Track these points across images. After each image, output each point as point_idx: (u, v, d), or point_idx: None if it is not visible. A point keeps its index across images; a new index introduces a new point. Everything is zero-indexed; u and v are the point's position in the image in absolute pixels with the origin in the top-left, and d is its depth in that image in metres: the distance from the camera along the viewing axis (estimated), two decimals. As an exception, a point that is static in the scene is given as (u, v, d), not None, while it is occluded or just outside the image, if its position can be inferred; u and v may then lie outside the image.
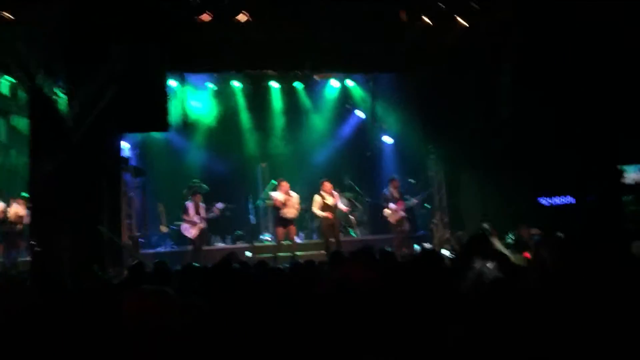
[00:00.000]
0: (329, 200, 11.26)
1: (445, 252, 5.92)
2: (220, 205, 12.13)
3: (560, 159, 10.87)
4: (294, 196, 11.41)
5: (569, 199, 11.46)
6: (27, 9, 6.27)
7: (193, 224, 11.46)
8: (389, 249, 10.96)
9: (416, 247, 12.02)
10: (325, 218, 11.23)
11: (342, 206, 11.72)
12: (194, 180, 13.22)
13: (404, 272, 3.80)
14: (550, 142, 10.98)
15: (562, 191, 11.51)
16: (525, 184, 11.29)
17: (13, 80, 5.68)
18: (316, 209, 11.36)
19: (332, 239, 11.19)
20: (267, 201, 12.82)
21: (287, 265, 6.02)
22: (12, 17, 5.69)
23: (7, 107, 5.49)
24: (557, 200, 11.51)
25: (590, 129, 10.66)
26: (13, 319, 3.51)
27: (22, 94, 6.08)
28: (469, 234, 10.31)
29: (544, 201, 11.58)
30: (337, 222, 11.46)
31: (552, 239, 4.58)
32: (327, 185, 11.38)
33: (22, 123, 5.96)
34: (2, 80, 5.34)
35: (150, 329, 2.45)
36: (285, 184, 11.43)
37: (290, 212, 11.27)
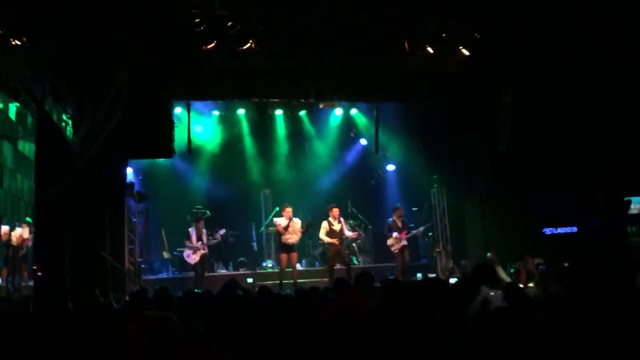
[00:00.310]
0: (336, 227, 11.28)
1: (452, 280, 5.89)
2: (222, 231, 12.14)
3: (563, 189, 10.89)
4: (296, 222, 11.40)
5: (572, 229, 11.43)
6: (34, 35, 6.37)
7: (195, 250, 11.45)
8: (391, 277, 10.97)
9: (419, 275, 11.98)
10: (332, 244, 11.22)
11: (349, 232, 11.72)
12: (197, 206, 13.25)
13: (408, 298, 3.79)
14: (554, 173, 11.02)
15: (566, 221, 11.49)
16: (529, 213, 11.28)
17: (21, 106, 5.75)
18: (323, 235, 11.36)
19: (338, 266, 11.17)
20: (270, 228, 12.82)
21: (290, 292, 6.00)
22: (19, 43, 5.79)
23: (14, 132, 5.55)
24: (561, 230, 11.49)
25: (594, 159, 10.70)
26: (16, 343, 3.50)
27: (29, 119, 6.14)
28: (473, 263, 10.31)
29: (548, 231, 11.55)
30: (343, 249, 11.44)
31: (559, 271, 4.56)
32: (335, 211, 11.41)
33: (28, 148, 6.01)
34: (10, 106, 5.40)
35: (152, 354, 2.45)
36: (288, 210, 11.43)
37: (292, 238, 11.25)
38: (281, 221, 11.38)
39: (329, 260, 11.44)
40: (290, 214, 11.39)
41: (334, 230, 11.29)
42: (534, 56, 10.65)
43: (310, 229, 11.94)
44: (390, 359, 2.62)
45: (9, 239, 5.35)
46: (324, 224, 11.38)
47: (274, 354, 3.11)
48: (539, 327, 2.87)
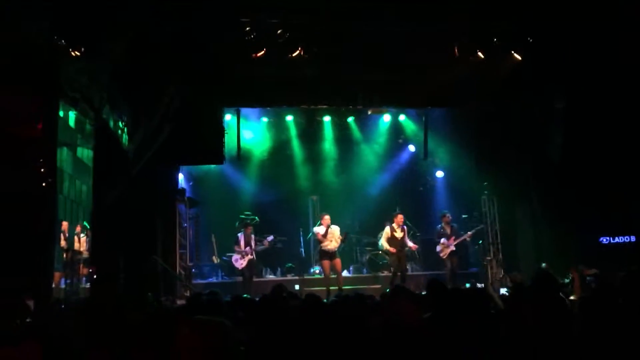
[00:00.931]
0: (398, 234, 11.24)
1: (502, 290, 5.77)
2: (270, 238, 12.25)
3: (620, 197, 10.53)
4: (335, 229, 11.39)
5: (630, 238, 11.03)
6: (92, 47, 6.60)
7: (243, 255, 11.59)
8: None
9: (467, 285, 11.77)
10: (390, 252, 11.16)
11: (410, 243, 11.60)
12: (246, 212, 13.41)
13: (452, 310, 3.73)
14: (609, 181, 10.67)
15: (624, 230, 11.09)
16: (584, 222, 10.95)
17: (80, 114, 5.98)
18: (383, 241, 11.33)
19: (399, 273, 11.13)
20: (314, 234, 12.88)
21: (335, 299, 6.00)
22: (78, 54, 6.02)
23: (74, 139, 5.77)
24: (619, 239, 11.10)
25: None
26: (72, 345, 3.62)
27: (87, 127, 6.37)
28: (524, 274, 10.06)
29: (604, 240, 11.18)
30: (403, 256, 11.36)
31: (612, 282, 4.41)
32: (400, 217, 11.38)
33: (86, 154, 6.25)
34: (70, 113, 5.62)
35: (204, 358, 2.49)
36: (326, 218, 11.46)
37: (331, 244, 11.24)
38: (319, 229, 11.42)
39: (392, 266, 11.39)
40: (328, 221, 11.40)
41: (396, 237, 11.23)
42: (588, 61, 10.36)
43: (348, 237, 11.92)
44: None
45: (70, 244, 5.58)
46: (386, 230, 11.36)
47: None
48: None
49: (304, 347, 3.15)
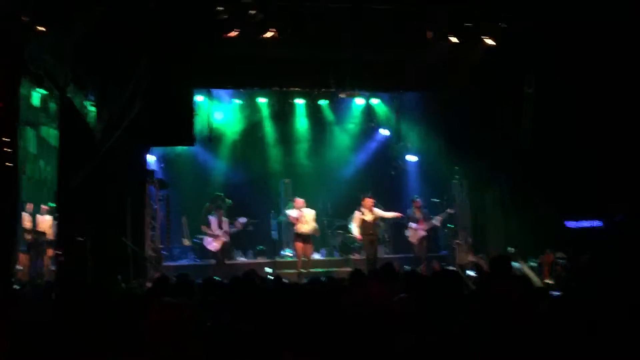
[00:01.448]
0: (368, 217, 11.22)
1: (470, 273, 5.85)
2: (242, 219, 12.19)
3: (587, 183, 10.71)
4: (308, 212, 11.40)
5: (596, 223, 11.24)
6: (57, 22, 6.41)
7: (216, 237, 11.52)
8: (408, 268, 10.94)
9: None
10: (365, 235, 11.15)
11: (388, 213, 11.55)
12: (217, 194, 13.31)
13: (425, 291, 3.76)
14: (577, 164, 10.85)
15: (590, 214, 11.30)
16: (551, 207, 11.13)
17: (44, 92, 5.80)
18: (354, 225, 11.32)
19: (357, 256, 11.18)
20: (282, 219, 12.90)
21: (306, 281, 6.01)
22: (43, 30, 5.83)
23: (38, 118, 5.60)
24: (585, 223, 11.30)
25: (618, 150, 10.50)
26: (38, 328, 3.56)
27: (52, 106, 6.20)
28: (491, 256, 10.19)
29: (571, 225, 11.38)
30: (375, 239, 11.39)
31: (579, 265, 4.49)
32: (368, 201, 11.37)
33: (51, 134, 6.08)
34: (33, 92, 5.45)
35: (172, 340, 2.47)
36: (299, 201, 11.47)
37: (304, 227, 11.26)
38: (292, 212, 11.40)
39: (365, 250, 11.39)
40: (301, 204, 11.40)
41: (366, 220, 11.23)
42: (558, 47, 10.46)
43: (322, 217, 11.98)
44: (411, 347, 2.61)
45: (33, 225, 5.42)
46: (356, 214, 11.34)
47: (289, 343, 3.10)
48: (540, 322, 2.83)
49: (275, 329, 3.14)
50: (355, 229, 11.37)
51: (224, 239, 11.57)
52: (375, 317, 3.18)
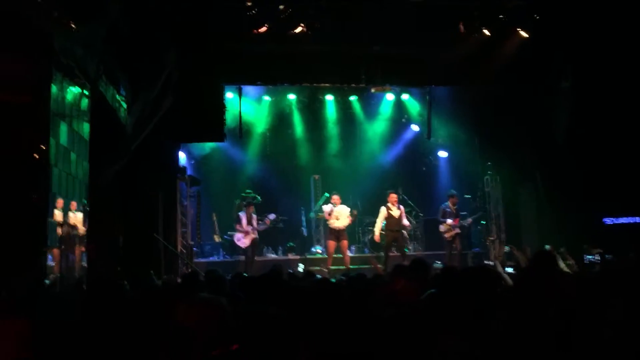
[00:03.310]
0: (395, 212, 11.09)
1: (508, 269, 5.69)
2: (272, 216, 12.18)
3: (625, 178, 10.40)
4: (342, 207, 11.32)
5: (635, 219, 10.92)
6: (87, 15, 6.43)
7: (245, 234, 11.53)
8: (440, 264, 10.77)
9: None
10: (388, 231, 11.06)
11: (406, 222, 11.46)
12: (248, 190, 13.33)
13: (458, 287, 3.65)
14: (615, 162, 10.54)
15: (628, 211, 10.98)
16: (587, 203, 10.84)
17: (76, 87, 5.84)
18: (377, 222, 11.21)
19: (392, 253, 11.04)
20: (319, 214, 12.81)
21: (342, 278, 5.92)
22: (74, 27, 5.86)
23: (70, 111, 5.63)
24: (623, 220, 10.99)
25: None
26: (69, 323, 3.55)
27: (84, 100, 6.23)
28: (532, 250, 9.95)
29: (608, 221, 11.07)
30: (400, 236, 11.26)
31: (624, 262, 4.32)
32: (393, 196, 11.24)
33: (83, 128, 6.12)
34: (65, 85, 5.48)
35: (201, 336, 2.41)
36: (336, 197, 11.39)
37: (337, 223, 11.16)
38: (326, 207, 11.38)
39: (385, 247, 11.30)
40: (337, 200, 11.33)
41: (393, 216, 11.10)
42: (595, 40, 10.16)
43: (357, 217, 11.86)
44: (455, 348, 2.51)
45: (65, 219, 5.47)
46: (382, 210, 11.22)
47: (318, 340, 3.03)
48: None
49: (304, 327, 3.06)
50: (377, 227, 11.23)
51: (254, 235, 11.57)
52: (402, 315, 3.07)
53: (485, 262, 11.43)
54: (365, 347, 2.77)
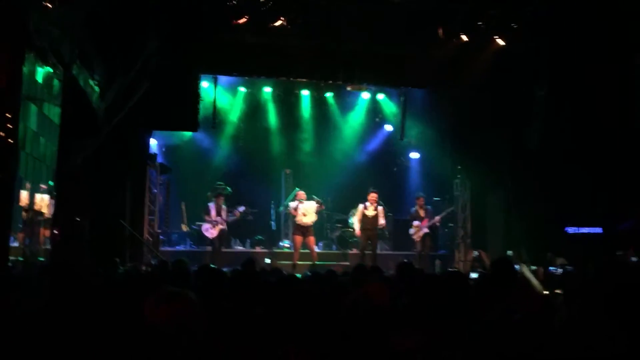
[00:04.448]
0: (370, 212, 11.13)
1: (472, 274, 5.78)
2: (241, 208, 12.12)
3: (592, 189, 10.64)
4: (309, 204, 11.32)
5: (597, 230, 11.18)
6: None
7: (214, 224, 11.46)
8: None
9: (436, 262, 11.85)
10: (363, 230, 11.10)
11: (382, 221, 11.46)
12: (219, 182, 13.23)
13: (429, 292, 3.69)
14: (581, 171, 10.77)
15: (591, 221, 11.24)
16: (554, 211, 11.06)
17: (48, 69, 5.70)
18: (355, 219, 11.27)
19: (367, 252, 11.10)
20: (287, 208, 12.80)
21: (308, 274, 5.93)
22: (50, 5, 5.71)
23: (40, 94, 5.49)
24: (584, 230, 11.24)
25: (629, 160, 10.41)
26: (33, 308, 3.48)
27: (56, 83, 6.09)
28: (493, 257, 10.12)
29: (570, 230, 11.31)
30: (374, 235, 11.30)
31: (583, 275, 4.41)
32: (372, 195, 11.25)
33: (53, 112, 5.97)
34: (37, 68, 5.34)
35: (170, 330, 2.39)
36: (300, 194, 11.40)
37: (305, 218, 11.18)
38: (293, 204, 11.42)
39: (361, 246, 11.34)
40: (303, 196, 11.33)
41: (366, 215, 11.14)
42: (571, 50, 10.35)
43: (324, 208, 11.86)
44: (410, 348, 2.53)
45: (31, 203, 5.33)
46: (359, 207, 11.26)
47: (286, 337, 3.03)
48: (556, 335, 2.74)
49: (273, 324, 3.06)
50: (356, 224, 11.30)
51: (222, 226, 11.50)
52: (375, 317, 3.09)
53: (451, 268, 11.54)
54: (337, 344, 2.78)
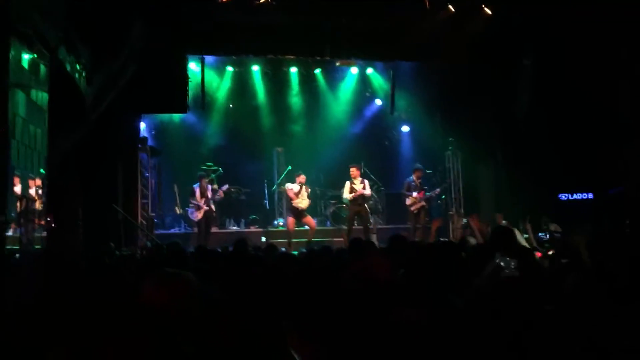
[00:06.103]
0: (358, 186, 11.24)
1: (471, 239, 5.82)
2: (225, 187, 12.07)
3: (582, 156, 10.71)
4: (308, 189, 11.51)
5: (588, 195, 11.30)
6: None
7: (198, 207, 11.46)
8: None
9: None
10: (352, 204, 11.23)
11: (367, 191, 11.52)
12: (208, 163, 13.19)
13: (425, 262, 3.73)
14: (571, 138, 10.83)
15: (583, 188, 11.34)
16: (544, 179, 11.14)
17: (34, 55, 5.62)
18: (346, 194, 11.36)
19: (355, 226, 11.20)
20: (281, 187, 12.81)
21: (303, 251, 5.97)
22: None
23: (27, 81, 5.42)
24: (577, 196, 11.35)
25: (617, 126, 10.46)
26: (30, 294, 3.50)
27: (42, 69, 6.02)
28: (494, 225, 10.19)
29: (563, 197, 11.41)
30: (364, 209, 11.38)
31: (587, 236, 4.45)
32: (353, 170, 11.37)
33: (42, 98, 5.91)
34: (23, 54, 5.27)
35: (169, 311, 2.40)
36: (301, 177, 11.43)
37: (303, 203, 11.29)
38: (293, 186, 11.37)
39: (348, 220, 11.44)
40: (303, 180, 11.38)
41: (355, 190, 11.24)
42: (559, 19, 10.31)
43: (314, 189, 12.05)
44: (412, 322, 2.56)
45: (24, 191, 5.28)
46: (347, 184, 11.34)
47: (286, 314, 3.06)
48: (565, 296, 2.78)
49: (274, 301, 3.08)
50: (349, 196, 11.38)
51: (206, 208, 11.47)
52: (376, 291, 3.12)
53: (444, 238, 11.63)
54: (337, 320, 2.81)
